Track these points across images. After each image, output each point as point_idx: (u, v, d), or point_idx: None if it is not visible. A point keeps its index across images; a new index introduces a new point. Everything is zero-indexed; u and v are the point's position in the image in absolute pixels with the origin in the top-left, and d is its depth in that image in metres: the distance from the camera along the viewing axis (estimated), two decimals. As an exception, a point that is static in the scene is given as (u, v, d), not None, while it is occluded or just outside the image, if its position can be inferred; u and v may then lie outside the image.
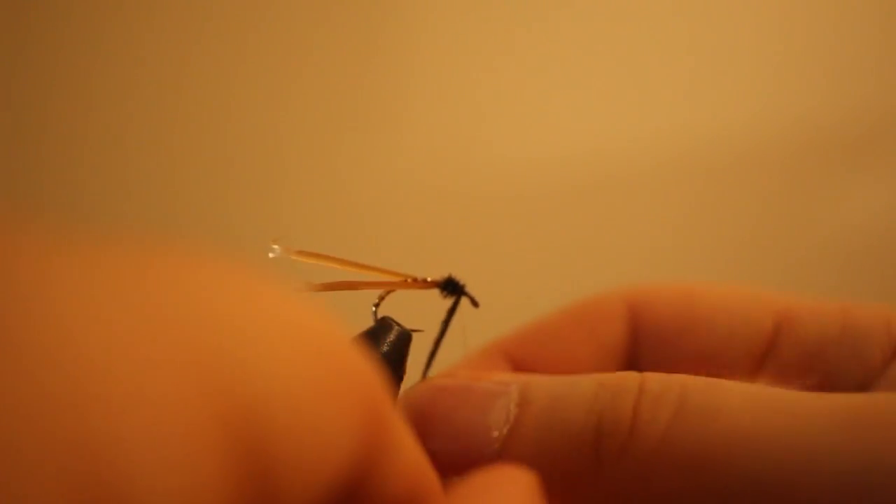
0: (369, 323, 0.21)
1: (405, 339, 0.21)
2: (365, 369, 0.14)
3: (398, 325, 0.21)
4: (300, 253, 0.22)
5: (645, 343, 0.24)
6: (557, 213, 0.71)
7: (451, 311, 0.23)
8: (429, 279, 0.23)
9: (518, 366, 0.25)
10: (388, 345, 0.20)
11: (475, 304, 0.23)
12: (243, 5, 0.67)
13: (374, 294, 0.23)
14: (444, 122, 0.70)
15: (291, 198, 0.69)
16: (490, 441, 0.19)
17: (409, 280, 0.23)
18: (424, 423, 0.20)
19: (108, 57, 0.66)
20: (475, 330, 0.23)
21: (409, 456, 0.15)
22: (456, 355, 0.24)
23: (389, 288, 0.23)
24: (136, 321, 0.10)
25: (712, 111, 0.72)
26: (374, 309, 0.23)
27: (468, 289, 0.23)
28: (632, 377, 0.19)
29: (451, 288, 0.23)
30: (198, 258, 0.12)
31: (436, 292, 0.23)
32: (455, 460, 0.19)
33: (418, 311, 0.22)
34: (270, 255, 0.21)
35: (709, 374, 0.19)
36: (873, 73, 0.74)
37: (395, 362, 0.20)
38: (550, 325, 0.25)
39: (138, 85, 0.67)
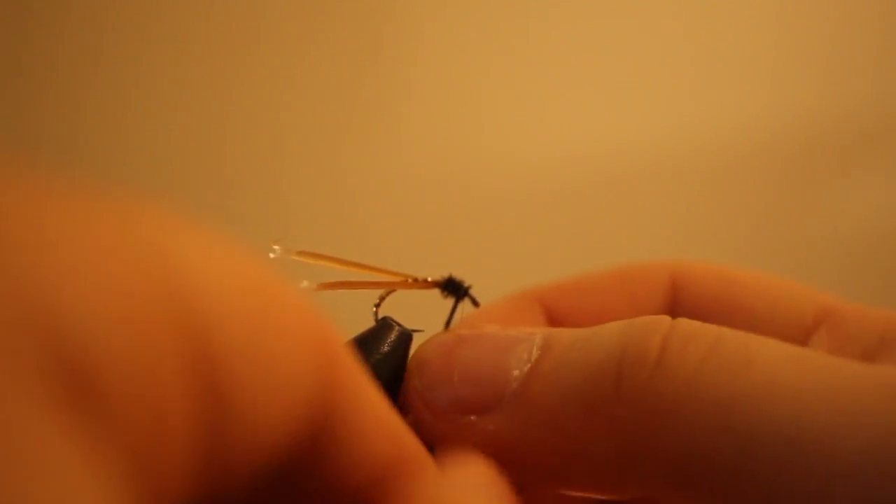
0: (370, 323, 0.21)
1: (406, 339, 0.21)
2: (314, 309, 0.13)
3: (399, 325, 0.21)
4: (301, 253, 0.22)
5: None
6: (558, 212, 0.71)
7: (453, 312, 0.23)
8: (429, 279, 0.23)
9: (551, 315, 0.24)
10: (389, 345, 0.20)
11: (476, 303, 0.23)
12: (244, 5, 0.67)
13: (374, 294, 0.23)
14: (445, 123, 0.70)
15: (292, 198, 0.69)
16: (509, 381, 0.19)
17: (409, 280, 0.23)
18: (444, 369, 0.19)
19: (109, 57, 0.66)
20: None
21: (377, 415, 0.15)
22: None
23: (390, 288, 0.23)
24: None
25: (712, 111, 0.73)
26: (374, 309, 0.23)
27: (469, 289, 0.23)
28: (663, 317, 0.18)
29: (452, 288, 0.23)
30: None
31: (436, 292, 0.23)
32: (473, 404, 0.19)
33: (419, 311, 0.22)
34: (271, 255, 0.21)
35: None
36: (873, 73, 0.74)
37: (395, 362, 0.20)
38: (590, 281, 0.25)
39: (139, 86, 0.67)
